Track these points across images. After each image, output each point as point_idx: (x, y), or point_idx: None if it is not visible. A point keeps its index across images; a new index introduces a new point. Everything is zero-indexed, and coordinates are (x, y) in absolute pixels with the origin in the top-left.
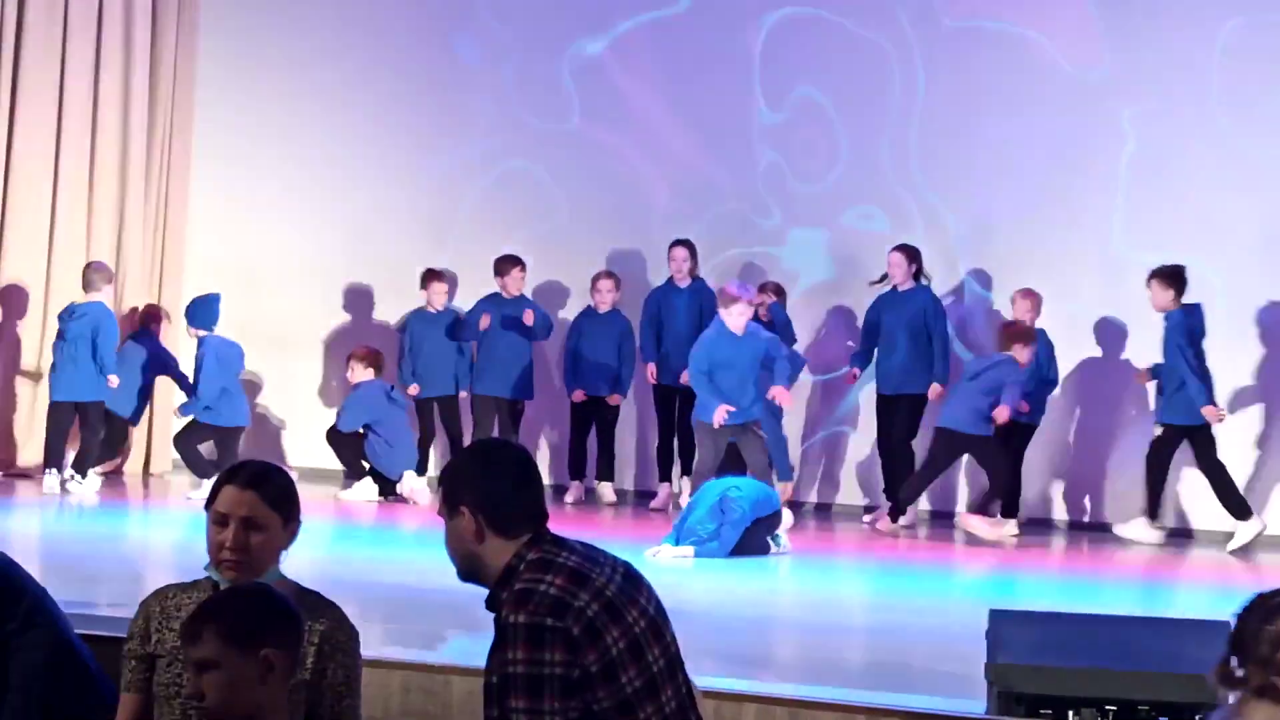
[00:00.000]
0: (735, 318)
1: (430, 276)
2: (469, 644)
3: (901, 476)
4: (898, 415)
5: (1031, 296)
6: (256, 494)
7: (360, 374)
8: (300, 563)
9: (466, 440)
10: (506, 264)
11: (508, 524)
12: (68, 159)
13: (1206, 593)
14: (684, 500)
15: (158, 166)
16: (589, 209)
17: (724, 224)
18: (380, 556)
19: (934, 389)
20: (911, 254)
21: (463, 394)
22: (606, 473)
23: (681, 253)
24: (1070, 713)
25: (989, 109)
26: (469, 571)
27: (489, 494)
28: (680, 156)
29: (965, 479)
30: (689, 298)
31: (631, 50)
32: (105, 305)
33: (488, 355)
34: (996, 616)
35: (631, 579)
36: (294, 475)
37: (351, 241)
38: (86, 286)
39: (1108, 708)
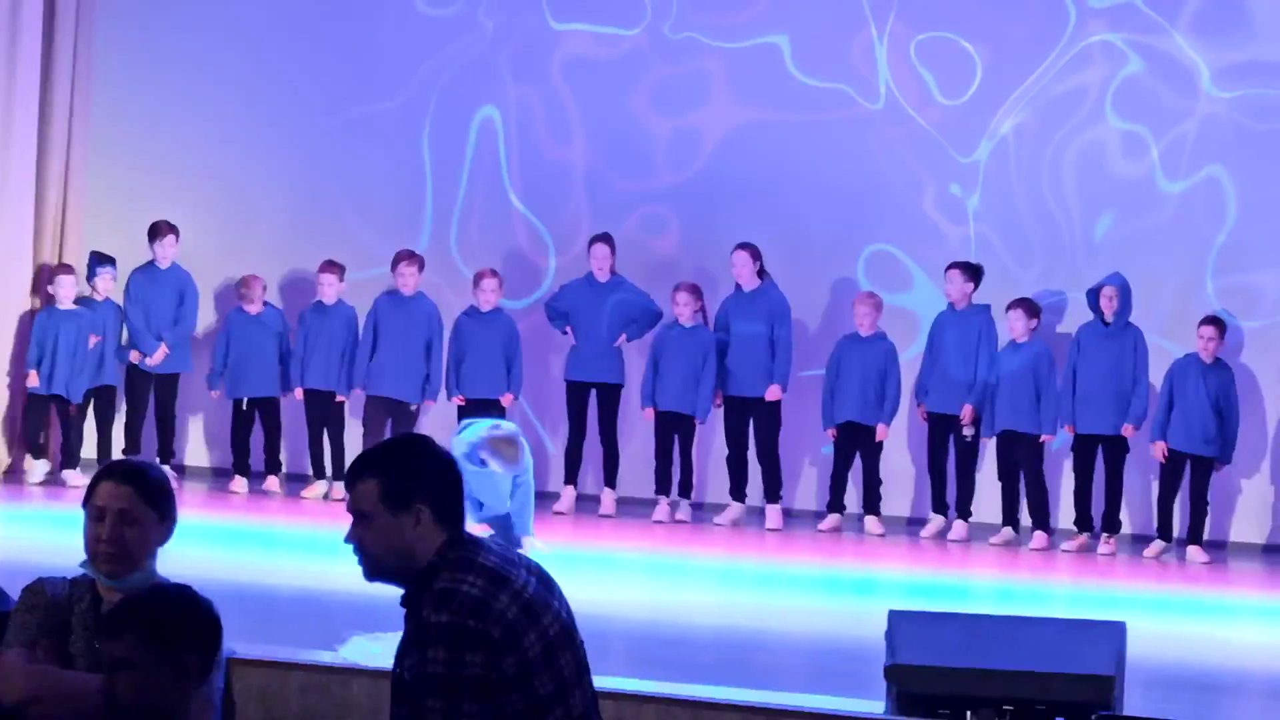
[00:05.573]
0: None
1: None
2: (368, 644)
3: (774, 478)
4: (757, 417)
5: (871, 299)
6: (133, 489)
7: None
8: (193, 562)
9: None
10: (399, 260)
11: (452, 520)
12: None
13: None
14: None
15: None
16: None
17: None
18: (275, 557)
19: (773, 390)
20: (755, 252)
21: (341, 397)
22: None
23: (602, 250)
24: (969, 712)
25: None
26: (390, 570)
27: (444, 489)
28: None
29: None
30: (606, 293)
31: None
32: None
33: (384, 355)
34: (896, 617)
35: (545, 582)
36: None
37: (247, 236)
38: None
39: (1005, 708)
